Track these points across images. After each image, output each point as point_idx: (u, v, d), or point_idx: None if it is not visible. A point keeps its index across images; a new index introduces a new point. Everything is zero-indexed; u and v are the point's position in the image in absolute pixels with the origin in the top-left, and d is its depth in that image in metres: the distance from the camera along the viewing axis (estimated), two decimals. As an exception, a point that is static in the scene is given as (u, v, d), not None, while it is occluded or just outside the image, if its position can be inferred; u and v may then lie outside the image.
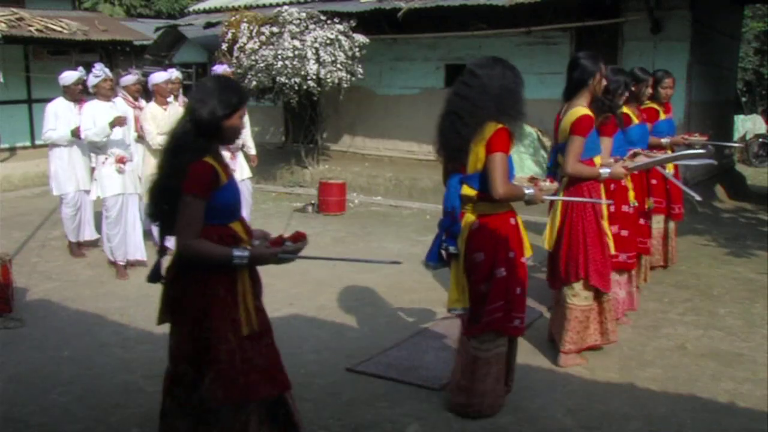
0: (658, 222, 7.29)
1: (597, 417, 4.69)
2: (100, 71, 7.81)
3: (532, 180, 4.80)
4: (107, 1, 26.74)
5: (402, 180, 12.85)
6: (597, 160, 5.45)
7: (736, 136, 19.23)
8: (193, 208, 3.52)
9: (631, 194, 6.25)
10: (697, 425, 4.61)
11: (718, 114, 13.75)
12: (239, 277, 3.71)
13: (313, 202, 11.72)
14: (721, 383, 5.22)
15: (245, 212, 9.41)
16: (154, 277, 3.94)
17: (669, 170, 7.07)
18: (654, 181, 7.10)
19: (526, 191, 4.54)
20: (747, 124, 21.75)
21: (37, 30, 14.19)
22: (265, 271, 8.07)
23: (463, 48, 13.48)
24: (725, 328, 6.31)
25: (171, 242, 3.70)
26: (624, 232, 6.20)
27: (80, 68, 8.63)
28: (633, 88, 6.45)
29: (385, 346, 5.88)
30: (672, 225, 7.61)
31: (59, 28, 14.71)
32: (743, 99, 25.66)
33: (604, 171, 5.30)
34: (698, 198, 6.98)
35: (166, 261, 3.91)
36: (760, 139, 19.17)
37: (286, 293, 7.35)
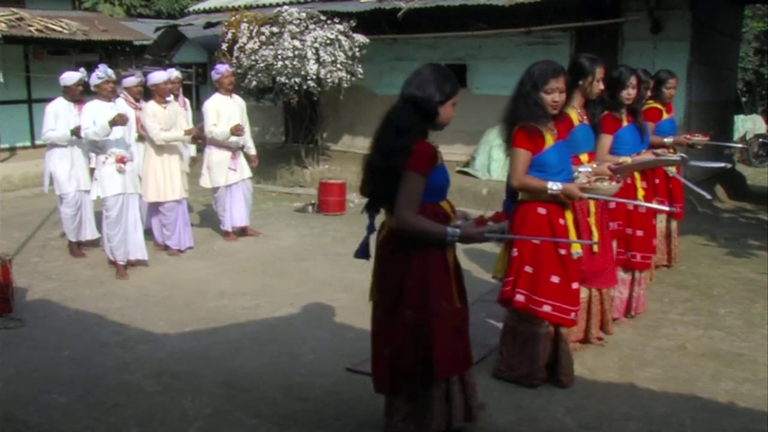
0: (660, 221, 7.28)
1: (597, 417, 4.69)
2: (103, 72, 7.81)
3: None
4: (107, 1, 26.74)
5: (402, 180, 12.83)
6: (583, 157, 5.42)
7: (736, 136, 19.22)
8: (415, 184, 3.77)
9: (641, 193, 6.25)
10: (697, 425, 4.61)
11: (718, 114, 13.75)
12: (448, 253, 3.97)
13: (313, 201, 11.72)
14: (721, 383, 5.22)
15: (244, 212, 9.45)
16: (362, 253, 4.30)
17: (672, 169, 7.09)
18: (657, 181, 7.09)
19: (552, 186, 4.70)
20: (747, 124, 21.73)
21: (37, 30, 14.18)
22: (265, 272, 8.14)
23: (463, 48, 13.49)
24: (725, 328, 6.31)
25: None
26: (640, 233, 6.23)
27: (82, 69, 8.63)
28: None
29: (385, 346, 5.87)
30: (674, 224, 7.61)
31: (59, 28, 14.70)
32: (743, 99, 25.65)
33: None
34: (708, 196, 7.00)
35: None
36: (760, 139, 19.16)
37: (286, 293, 7.35)
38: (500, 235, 4.11)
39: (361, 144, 15.11)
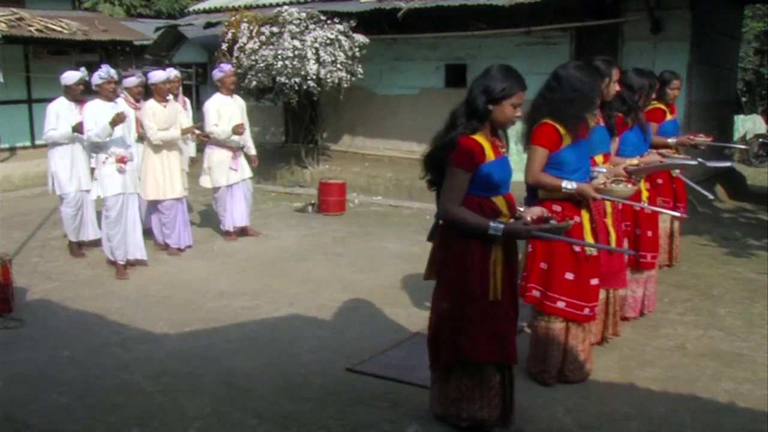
0: (664, 221, 7.25)
1: (597, 417, 4.69)
2: (105, 73, 7.81)
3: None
4: (107, 1, 26.76)
5: (402, 180, 12.85)
6: (598, 158, 5.43)
7: (736, 136, 19.22)
8: (456, 177, 4.00)
9: (645, 194, 6.26)
10: (697, 425, 4.61)
11: (718, 114, 13.74)
12: (494, 247, 4.07)
13: (313, 202, 11.72)
14: (721, 383, 5.22)
15: (245, 212, 9.45)
16: (432, 236, 4.39)
17: (676, 170, 7.08)
18: (660, 181, 7.07)
19: (566, 185, 4.79)
20: (747, 124, 21.74)
21: (37, 30, 14.19)
22: (265, 272, 8.14)
23: (463, 48, 13.48)
24: (725, 328, 6.31)
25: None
26: (649, 233, 6.26)
27: (82, 68, 8.63)
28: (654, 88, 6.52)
29: (385, 346, 5.88)
30: (677, 224, 7.59)
31: (59, 28, 14.70)
32: (743, 99, 25.66)
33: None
34: (711, 197, 7.00)
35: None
36: (760, 139, 19.16)
37: (286, 293, 7.35)
38: (547, 235, 4.15)
39: (361, 144, 15.12)
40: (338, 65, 12.47)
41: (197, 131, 9.06)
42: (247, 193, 9.61)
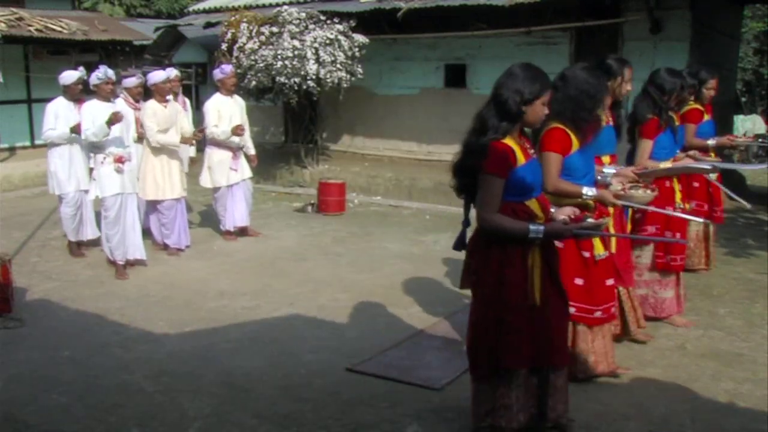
0: (697, 225, 7.17)
1: (597, 417, 4.69)
2: (103, 74, 7.81)
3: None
4: (107, 1, 26.75)
5: (402, 180, 12.85)
6: (605, 159, 5.40)
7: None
8: (491, 185, 3.88)
9: (678, 196, 6.21)
10: (697, 425, 4.61)
11: (717, 114, 13.69)
12: (530, 251, 3.97)
13: (312, 202, 11.72)
14: (720, 383, 5.22)
15: (245, 212, 9.45)
16: (458, 245, 4.32)
17: (713, 175, 7.02)
18: (696, 184, 6.99)
19: (587, 192, 4.72)
20: (747, 124, 21.75)
21: (36, 30, 14.18)
22: (265, 272, 8.14)
23: (463, 48, 13.48)
24: (725, 328, 6.31)
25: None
26: (678, 235, 6.17)
27: (81, 68, 8.63)
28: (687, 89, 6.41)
29: (384, 346, 5.88)
30: (712, 228, 7.45)
31: (59, 28, 14.69)
32: (743, 99, 25.67)
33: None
34: (748, 205, 6.93)
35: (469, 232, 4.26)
36: (760, 140, 19.15)
37: (286, 293, 7.35)
38: (592, 232, 4.13)
39: (360, 144, 15.12)
40: (338, 65, 12.47)
41: (198, 135, 9.02)
42: (247, 193, 9.61)
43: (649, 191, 5.11)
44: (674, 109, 6.26)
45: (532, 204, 4.01)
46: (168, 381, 5.29)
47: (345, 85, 12.79)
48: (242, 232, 9.70)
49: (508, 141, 3.90)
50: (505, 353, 4.00)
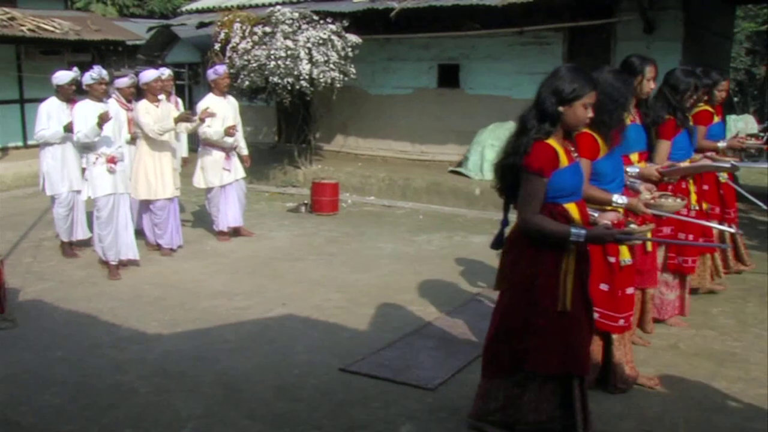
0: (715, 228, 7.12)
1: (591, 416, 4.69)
2: (97, 74, 7.79)
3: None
4: (99, 1, 26.65)
5: (395, 180, 12.86)
6: (633, 157, 5.39)
7: (728, 135, 19.22)
8: (533, 185, 3.83)
9: (693, 197, 6.18)
10: (690, 424, 4.62)
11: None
12: (565, 255, 3.92)
13: (305, 202, 11.71)
14: (713, 382, 5.23)
15: (238, 212, 9.44)
16: (496, 244, 4.30)
17: (724, 174, 6.99)
18: (705, 187, 6.88)
19: (617, 200, 4.68)
20: (739, 124, 21.72)
21: (29, 30, 14.16)
22: (258, 272, 8.13)
23: (456, 48, 13.50)
24: (718, 328, 6.32)
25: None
26: (690, 237, 6.10)
27: (75, 68, 8.61)
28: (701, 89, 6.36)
29: (378, 346, 5.88)
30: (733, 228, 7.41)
31: (51, 28, 14.68)
32: (735, 99, 25.72)
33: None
34: (765, 207, 6.89)
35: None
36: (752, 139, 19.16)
37: (279, 293, 7.35)
38: (634, 237, 4.06)
39: (353, 144, 15.14)
40: (331, 65, 12.46)
41: (191, 119, 8.96)
42: (240, 194, 9.60)
43: (678, 200, 5.04)
44: (689, 109, 6.21)
45: (571, 207, 3.97)
46: (161, 381, 5.28)
47: (338, 85, 12.79)
48: (235, 232, 9.69)
49: (552, 142, 3.86)
50: (529, 356, 3.98)
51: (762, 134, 17.03)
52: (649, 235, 4.83)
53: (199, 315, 6.74)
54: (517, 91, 12.92)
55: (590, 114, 3.92)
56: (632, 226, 4.07)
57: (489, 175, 12.20)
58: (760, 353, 5.78)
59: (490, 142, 12.40)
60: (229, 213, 9.50)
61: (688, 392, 5.06)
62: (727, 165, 6.41)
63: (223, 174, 9.32)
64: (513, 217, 4.10)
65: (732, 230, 6.38)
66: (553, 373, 4.04)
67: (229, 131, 9.07)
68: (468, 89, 13.59)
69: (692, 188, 6.20)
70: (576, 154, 4.06)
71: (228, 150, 9.34)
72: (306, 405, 4.90)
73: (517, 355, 4.02)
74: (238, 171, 9.54)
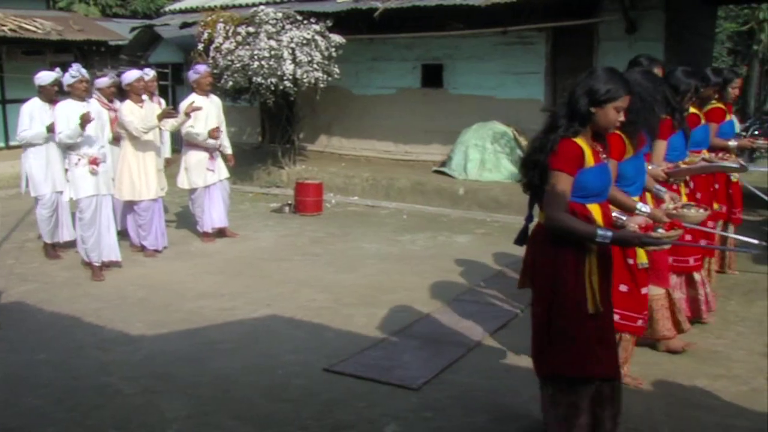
0: (719, 227, 7.06)
1: (574, 415, 4.71)
2: (76, 72, 7.75)
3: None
4: (82, 1, 26.55)
5: (379, 180, 12.87)
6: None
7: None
8: (559, 182, 3.77)
9: (684, 199, 6.12)
10: (673, 422, 4.65)
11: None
12: (587, 255, 3.87)
13: (289, 202, 11.71)
14: (695, 380, 5.27)
15: (223, 213, 9.43)
16: (520, 240, 4.27)
17: (736, 175, 6.99)
18: (716, 186, 6.90)
19: (641, 209, 4.66)
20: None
21: (10, 30, 14.08)
22: (243, 273, 8.12)
23: (440, 48, 13.53)
24: (700, 326, 6.35)
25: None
26: (687, 237, 6.09)
27: (57, 69, 8.58)
28: (701, 90, 6.33)
29: (363, 346, 5.89)
30: (731, 229, 7.42)
31: (33, 28, 14.60)
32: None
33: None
34: None
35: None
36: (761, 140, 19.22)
37: (264, 294, 7.35)
38: (661, 241, 4.01)
39: (337, 144, 15.14)
40: (315, 65, 12.47)
41: (175, 115, 8.93)
42: (224, 194, 9.59)
43: (701, 210, 5.00)
44: (687, 110, 6.17)
45: (594, 208, 3.92)
46: (146, 383, 5.27)
47: (322, 86, 12.79)
48: (220, 233, 9.68)
49: (579, 141, 3.82)
50: (558, 358, 3.92)
51: (744, 134, 17.19)
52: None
53: (184, 316, 6.73)
54: (500, 91, 12.98)
55: (621, 118, 3.87)
56: (660, 230, 4.01)
57: (473, 174, 12.26)
58: (742, 351, 5.83)
59: (474, 142, 12.44)
60: (213, 214, 9.49)
61: (671, 390, 5.10)
62: (736, 165, 6.38)
63: (206, 174, 9.31)
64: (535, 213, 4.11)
65: (755, 242, 6.28)
66: (580, 375, 3.93)
67: (213, 134, 9.07)
68: (452, 89, 13.62)
69: (683, 190, 6.18)
70: (605, 156, 4.00)
71: (212, 150, 9.33)
72: (292, 405, 4.91)
73: (549, 357, 3.96)
74: (221, 171, 9.52)
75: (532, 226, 4.18)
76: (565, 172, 3.75)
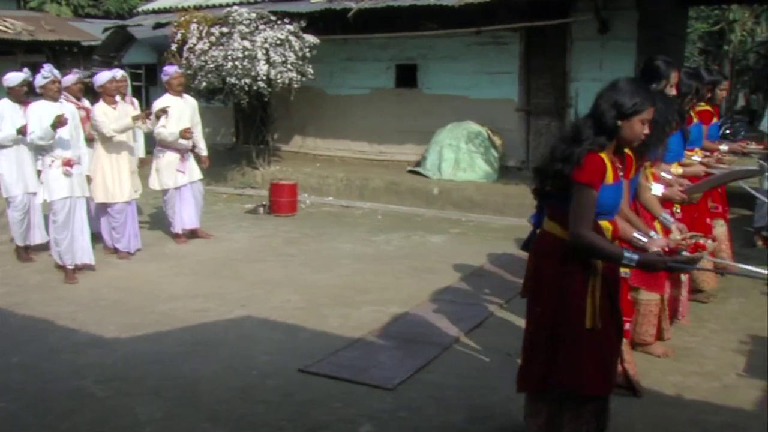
0: (722, 226, 7.09)
1: (548, 413, 4.74)
2: (48, 72, 7.70)
3: None
4: (54, 1, 26.36)
5: (353, 180, 12.87)
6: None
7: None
8: (584, 197, 3.65)
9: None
10: (646, 419, 4.68)
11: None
12: (593, 271, 3.78)
13: (264, 203, 11.68)
14: (669, 377, 5.31)
15: (194, 214, 9.37)
16: (525, 246, 4.27)
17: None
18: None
19: (667, 218, 4.75)
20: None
21: (-20, 30, 13.97)
22: (217, 274, 8.08)
23: (414, 48, 13.55)
24: (674, 323, 6.39)
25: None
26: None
27: (25, 69, 8.50)
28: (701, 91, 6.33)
29: (338, 347, 5.88)
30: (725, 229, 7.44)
31: (3, 28, 14.54)
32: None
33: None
34: None
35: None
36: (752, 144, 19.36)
37: (238, 295, 7.32)
38: (688, 266, 3.94)
39: (312, 144, 15.13)
40: (288, 66, 12.45)
41: (147, 118, 8.90)
42: (198, 195, 9.54)
43: (710, 242, 4.89)
44: (688, 112, 6.15)
45: (605, 224, 3.85)
46: (120, 386, 5.24)
47: (296, 86, 12.79)
48: (193, 234, 9.62)
49: (604, 155, 3.73)
50: (559, 371, 3.82)
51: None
52: (704, 264, 4.81)
53: (158, 318, 6.70)
54: (474, 91, 13.01)
55: (646, 130, 3.78)
56: (684, 254, 3.92)
57: (447, 174, 12.30)
58: (715, 347, 5.89)
59: (448, 142, 12.48)
60: (184, 215, 9.42)
61: (644, 387, 5.12)
62: (756, 168, 6.32)
63: (177, 176, 9.25)
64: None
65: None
66: (581, 391, 3.86)
67: (185, 134, 9.02)
68: (426, 89, 13.65)
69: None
70: (622, 173, 3.93)
71: (183, 151, 9.28)
72: (266, 406, 4.89)
73: (547, 371, 3.87)
74: (193, 173, 9.46)
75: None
76: (590, 186, 3.65)
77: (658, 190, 5.19)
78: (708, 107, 7.10)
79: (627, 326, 4.94)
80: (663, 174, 5.22)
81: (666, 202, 5.36)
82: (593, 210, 3.67)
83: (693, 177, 5.98)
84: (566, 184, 3.68)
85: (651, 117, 3.78)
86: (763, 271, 5.51)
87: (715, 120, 7.31)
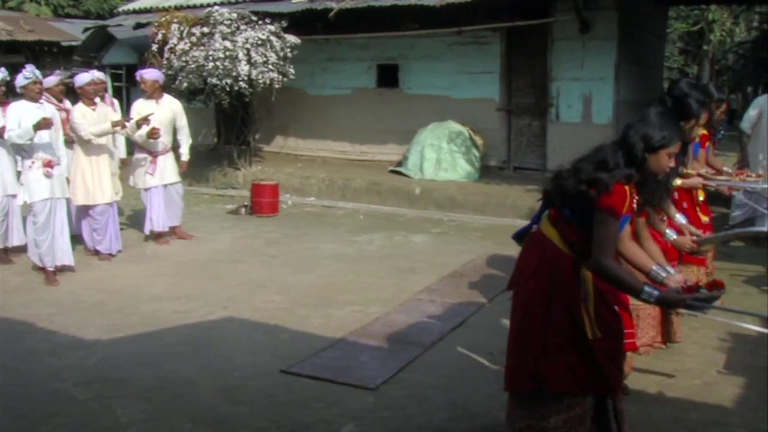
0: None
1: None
2: (30, 73, 7.65)
3: None
4: (33, 1, 26.21)
5: (335, 180, 12.86)
6: None
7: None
8: (610, 226, 3.61)
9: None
10: (628, 417, 4.69)
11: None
12: (585, 278, 3.74)
13: (245, 203, 11.66)
14: (650, 375, 5.34)
15: (162, 216, 9.29)
16: (517, 237, 4.27)
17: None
18: (701, 198, 6.84)
19: (681, 220, 4.79)
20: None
21: (-42, 31, 13.88)
22: (198, 275, 8.05)
23: (395, 48, 13.57)
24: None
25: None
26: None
27: (2, 69, 8.44)
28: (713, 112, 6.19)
29: (320, 347, 5.88)
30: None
31: (-18, 29, 14.40)
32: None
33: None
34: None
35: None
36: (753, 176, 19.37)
37: (220, 296, 7.30)
38: (706, 305, 3.82)
39: (293, 145, 15.12)
40: (270, 66, 12.44)
41: (126, 124, 8.86)
42: (175, 197, 9.48)
43: (715, 292, 4.93)
44: (697, 136, 6.07)
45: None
46: (100, 388, 5.21)
47: (277, 86, 12.78)
48: (158, 237, 9.46)
49: (628, 187, 3.67)
50: (550, 374, 3.75)
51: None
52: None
53: (139, 319, 6.67)
54: (456, 91, 13.05)
55: (672, 164, 3.74)
56: (703, 291, 3.81)
57: (429, 174, 12.31)
58: (695, 345, 5.93)
59: (430, 142, 12.50)
60: (153, 217, 9.36)
61: (625, 385, 5.15)
62: (764, 230, 6.28)
63: (146, 177, 9.20)
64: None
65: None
66: (577, 393, 3.80)
67: (152, 134, 8.91)
68: (407, 89, 13.67)
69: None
70: (150, 173, 3.91)
71: (156, 153, 9.20)
72: (248, 407, 4.88)
73: (535, 371, 3.78)
74: (165, 176, 9.35)
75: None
76: (615, 216, 3.61)
77: (671, 235, 5.15)
78: (704, 131, 6.99)
79: (633, 340, 4.83)
80: (678, 217, 5.18)
81: (672, 250, 5.33)
82: (617, 239, 3.68)
83: (690, 188, 6.02)
84: (587, 206, 3.65)
85: (678, 151, 3.74)
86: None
87: (708, 144, 7.26)
